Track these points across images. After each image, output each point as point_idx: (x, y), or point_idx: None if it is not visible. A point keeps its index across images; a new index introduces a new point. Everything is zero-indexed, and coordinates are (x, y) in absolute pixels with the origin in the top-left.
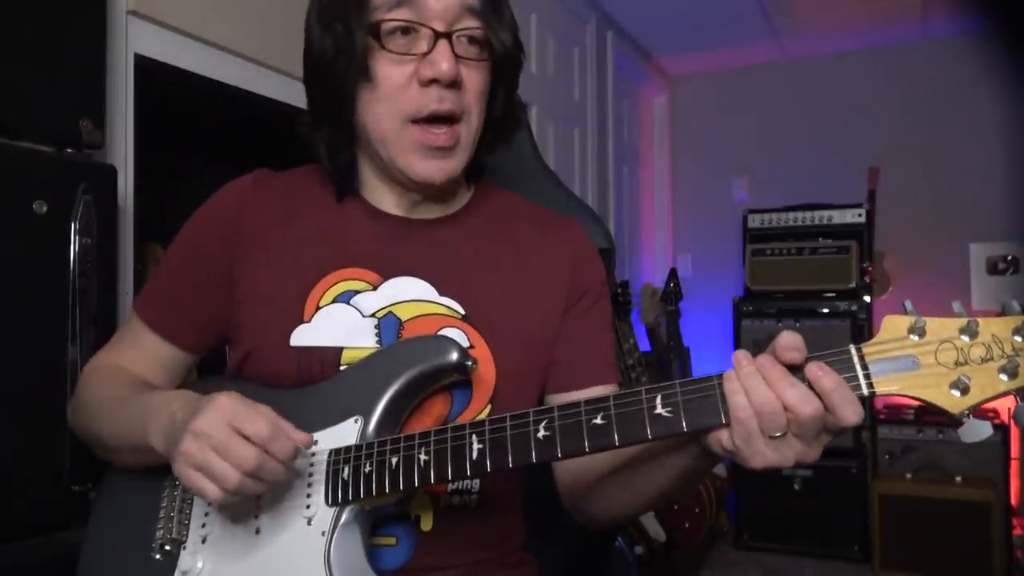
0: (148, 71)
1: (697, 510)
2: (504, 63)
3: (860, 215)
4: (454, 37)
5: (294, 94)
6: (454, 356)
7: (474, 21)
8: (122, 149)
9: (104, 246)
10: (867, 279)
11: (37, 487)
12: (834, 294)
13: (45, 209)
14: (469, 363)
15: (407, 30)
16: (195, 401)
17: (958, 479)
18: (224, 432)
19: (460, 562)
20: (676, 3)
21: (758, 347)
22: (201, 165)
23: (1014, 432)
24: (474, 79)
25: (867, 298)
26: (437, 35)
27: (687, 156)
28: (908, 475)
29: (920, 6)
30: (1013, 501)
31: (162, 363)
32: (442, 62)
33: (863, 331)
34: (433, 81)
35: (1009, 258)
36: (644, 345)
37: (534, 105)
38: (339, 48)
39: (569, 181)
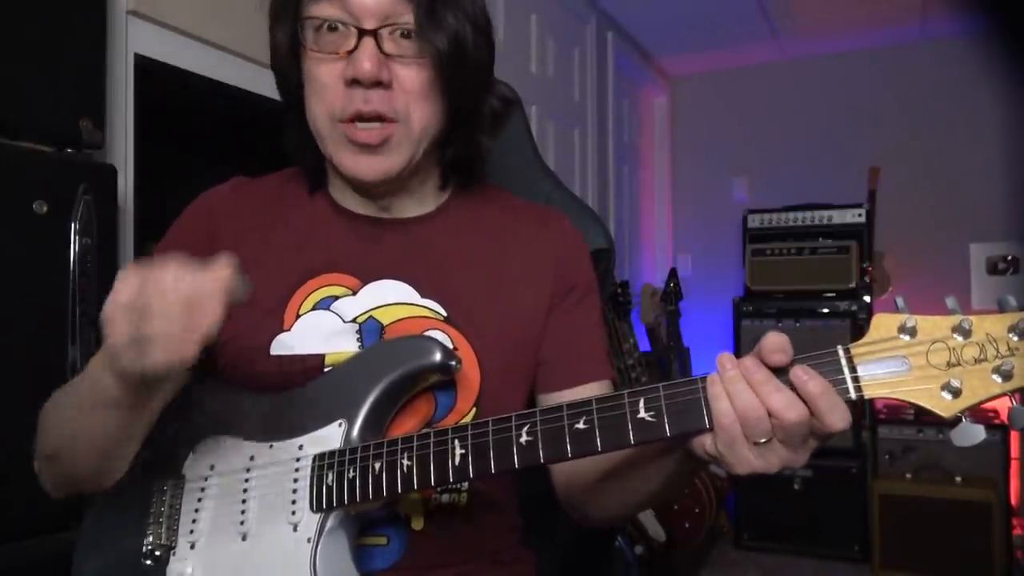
0: (148, 71)
1: (697, 510)
2: (445, 65)
3: (860, 215)
4: (384, 33)
5: None
6: (437, 356)
7: (407, 15)
8: (122, 149)
9: (104, 246)
10: (867, 279)
11: (37, 487)
12: (834, 294)
13: (45, 209)
14: (453, 363)
15: (334, 26)
16: None
17: (958, 479)
18: (131, 288)
19: (452, 560)
20: (676, 3)
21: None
22: (201, 165)
23: (1014, 432)
24: (411, 78)
25: (867, 298)
26: (361, 32)
27: (687, 156)
28: (908, 475)
29: (919, 6)
30: (1013, 501)
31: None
32: (364, 62)
33: (863, 331)
34: (356, 81)
35: (1009, 258)
36: (644, 345)
37: (534, 105)
38: (277, 45)
39: (569, 181)
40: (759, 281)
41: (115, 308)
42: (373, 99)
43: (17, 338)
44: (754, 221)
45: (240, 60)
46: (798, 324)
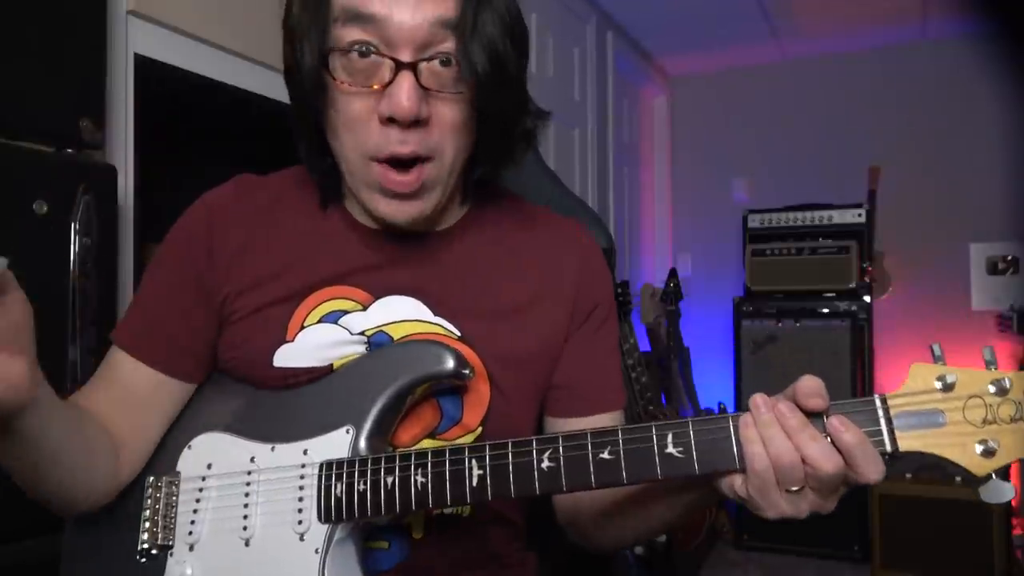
0: (148, 71)
1: None
2: (484, 93)
3: (860, 215)
4: (422, 66)
5: None
6: (451, 364)
7: (447, 42)
8: (122, 149)
9: (104, 246)
10: (867, 279)
11: None
12: (834, 294)
13: (45, 209)
14: (466, 372)
15: (366, 53)
16: None
17: (958, 479)
18: None
19: (454, 565)
20: (676, 3)
21: (758, 347)
22: (201, 165)
23: None
24: (447, 113)
25: (867, 298)
26: (399, 65)
27: (687, 156)
28: (908, 475)
29: (920, 7)
30: (1013, 501)
31: (143, 394)
32: (401, 98)
33: (863, 331)
34: (392, 119)
35: (1009, 258)
36: (644, 345)
37: None
38: (298, 64)
39: (569, 181)
40: (759, 281)
41: None
42: (410, 140)
43: None
44: (754, 221)
45: (240, 60)
46: (798, 324)
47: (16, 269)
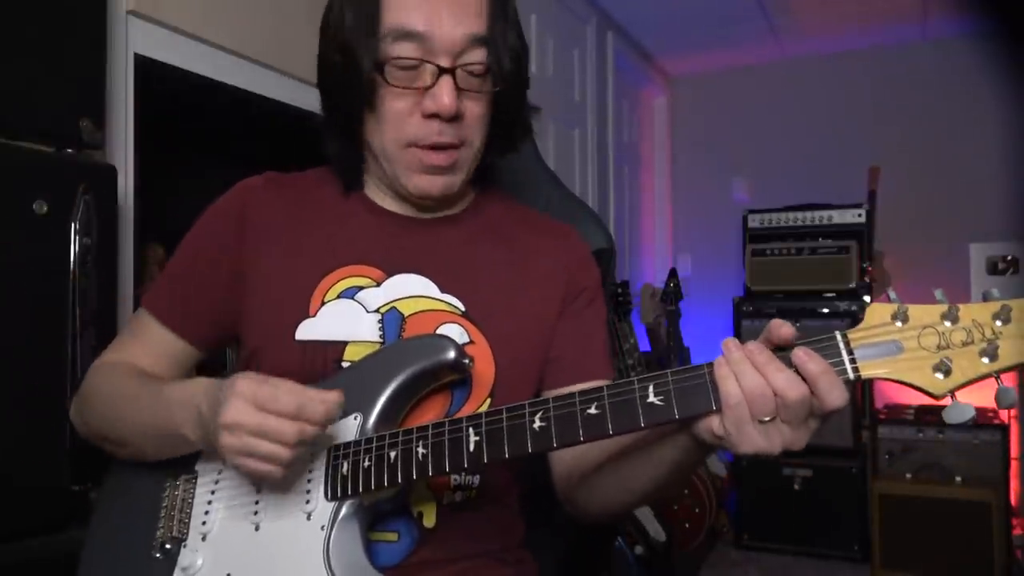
0: (148, 71)
1: (697, 510)
2: (507, 89)
3: (860, 215)
4: (458, 71)
5: (294, 94)
6: (451, 354)
7: (479, 53)
8: (122, 149)
9: (104, 246)
10: (867, 279)
11: (37, 487)
12: (834, 294)
13: (45, 209)
14: (466, 361)
15: (413, 62)
16: (215, 391)
17: (958, 479)
18: (254, 417)
19: (458, 557)
20: (676, 3)
21: None
22: (201, 165)
23: (1014, 432)
24: (476, 109)
25: (867, 298)
26: (441, 70)
27: (687, 156)
28: (908, 475)
29: (920, 6)
30: (1013, 501)
31: (169, 357)
32: (443, 97)
33: None
34: (434, 115)
35: (1009, 258)
36: (644, 345)
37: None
38: (346, 70)
39: (569, 181)
40: (759, 281)
41: (240, 428)
42: (447, 132)
43: (17, 338)
44: (754, 221)
45: (240, 60)
46: (798, 324)
47: (16, 269)
